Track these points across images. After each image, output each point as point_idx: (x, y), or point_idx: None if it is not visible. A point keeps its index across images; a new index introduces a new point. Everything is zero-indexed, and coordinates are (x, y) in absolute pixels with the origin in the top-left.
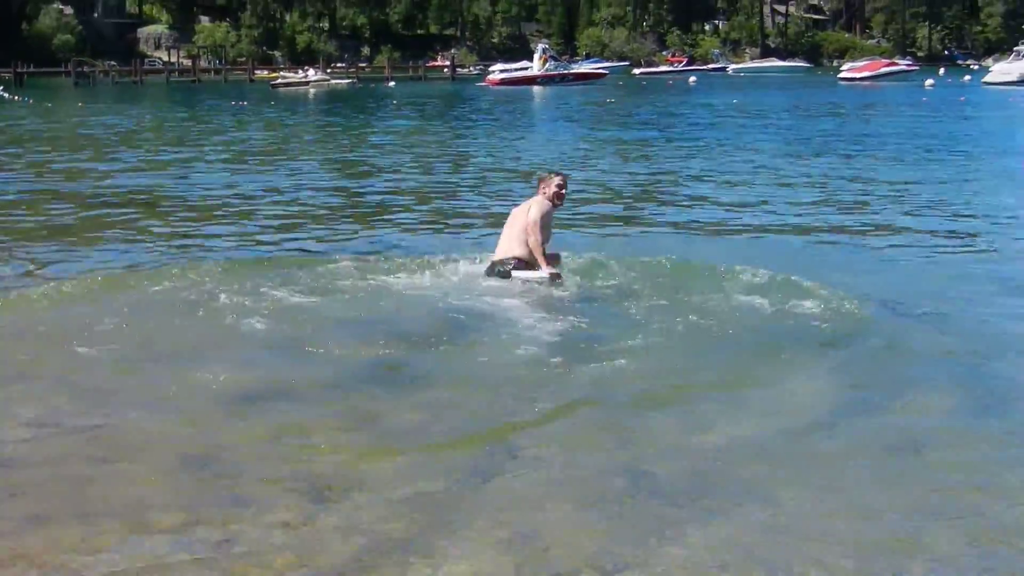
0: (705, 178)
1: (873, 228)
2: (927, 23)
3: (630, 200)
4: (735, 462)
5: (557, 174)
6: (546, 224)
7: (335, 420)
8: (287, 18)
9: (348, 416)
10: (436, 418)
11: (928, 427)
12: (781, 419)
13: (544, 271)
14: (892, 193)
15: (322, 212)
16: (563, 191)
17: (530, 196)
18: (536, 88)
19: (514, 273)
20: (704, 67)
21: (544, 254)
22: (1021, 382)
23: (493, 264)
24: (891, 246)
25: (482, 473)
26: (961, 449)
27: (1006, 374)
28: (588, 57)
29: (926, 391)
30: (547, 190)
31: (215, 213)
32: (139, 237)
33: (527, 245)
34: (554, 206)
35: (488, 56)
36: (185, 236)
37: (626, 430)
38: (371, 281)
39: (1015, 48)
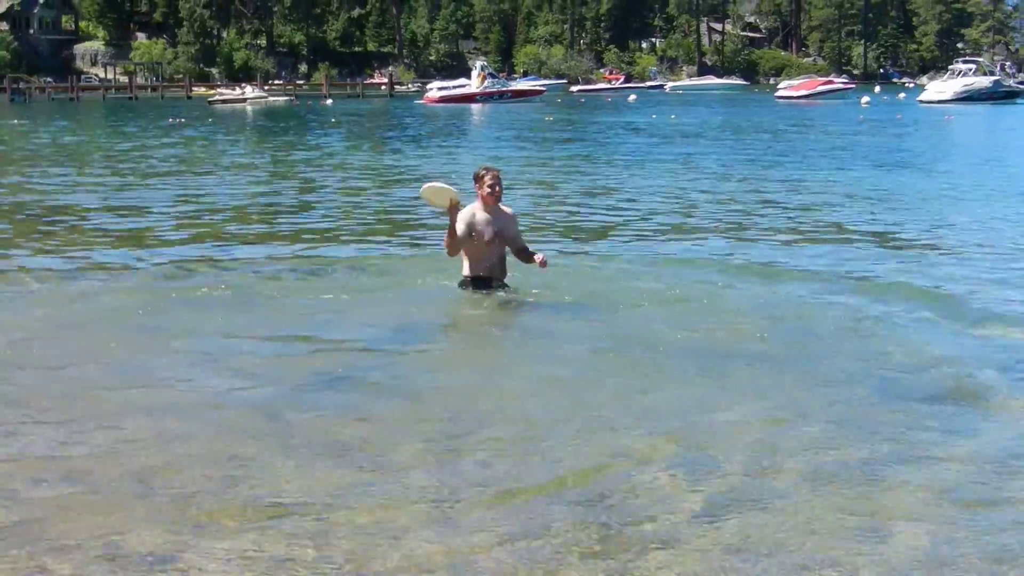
0: (654, 194)
1: (814, 244)
2: (862, 41)
3: (577, 216)
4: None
5: (488, 171)
6: (473, 226)
7: (279, 438)
8: (224, 35)
9: (292, 433)
10: (385, 434)
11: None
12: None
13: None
14: (828, 213)
15: (260, 227)
16: (497, 188)
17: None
18: (475, 105)
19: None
20: (642, 85)
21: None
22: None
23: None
24: (834, 261)
25: (430, 494)
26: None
27: (936, 387)
28: (526, 75)
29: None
30: (480, 191)
31: (153, 227)
32: (77, 249)
33: (469, 264)
34: (486, 205)
35: (426, 73)
36: (125, 248)
37: (563, 449)
38: (314, 295)
39: (950, 67)
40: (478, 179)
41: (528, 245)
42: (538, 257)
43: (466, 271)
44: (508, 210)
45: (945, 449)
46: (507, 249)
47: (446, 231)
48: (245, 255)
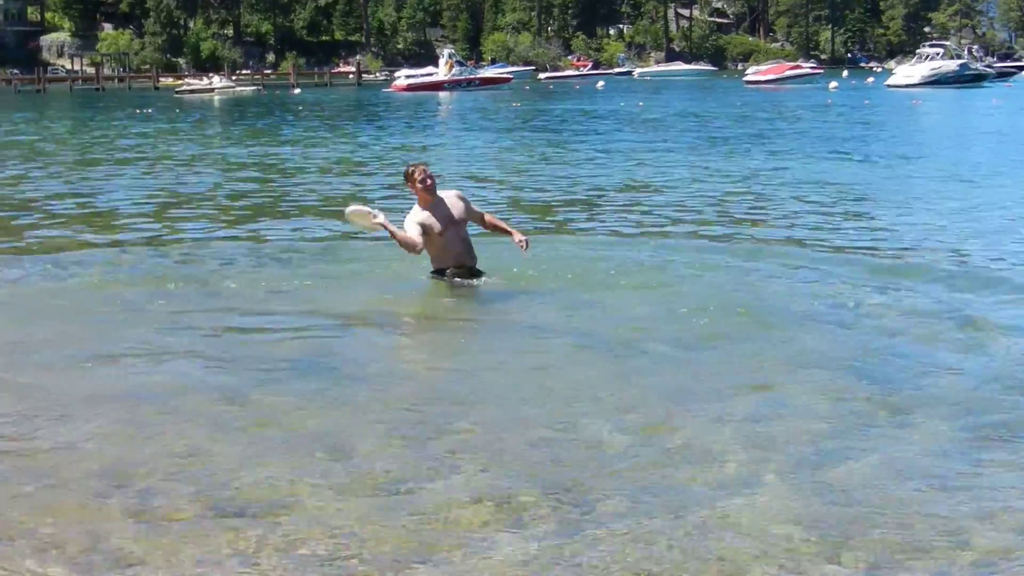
0: (623, 180)
1: (776, 234)
2: (830, 26)
3: (547, 201)
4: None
5: (415, 166)
6: (423, 224)
7: (246, 433)
8: (191, 25)
9: (260, 424)
10: (353, 428)
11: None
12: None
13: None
14: (795, 195)
15: (225, 215)
16: (428, 182)
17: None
18: (443, 93)
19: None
20: (610, 71)
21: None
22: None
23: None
24: (793, 249)
25: (400, 486)
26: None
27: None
28: (494, 62)
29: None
30: (415, 188)
31: (115, 216)
32: (38, 239)
33: (434, 259)
34: (425, 200)
35: (394, 62)
36: (85, 237)
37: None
38: (282, 283)
39: (917, 51)
40: (409, 178)
41: (486, 214)
42: (517, 238)
43: (434, 265)
44: (450, 193)
45: (922, 428)
46: (468, 232)
47: (409, 249)
48: (210, 244)
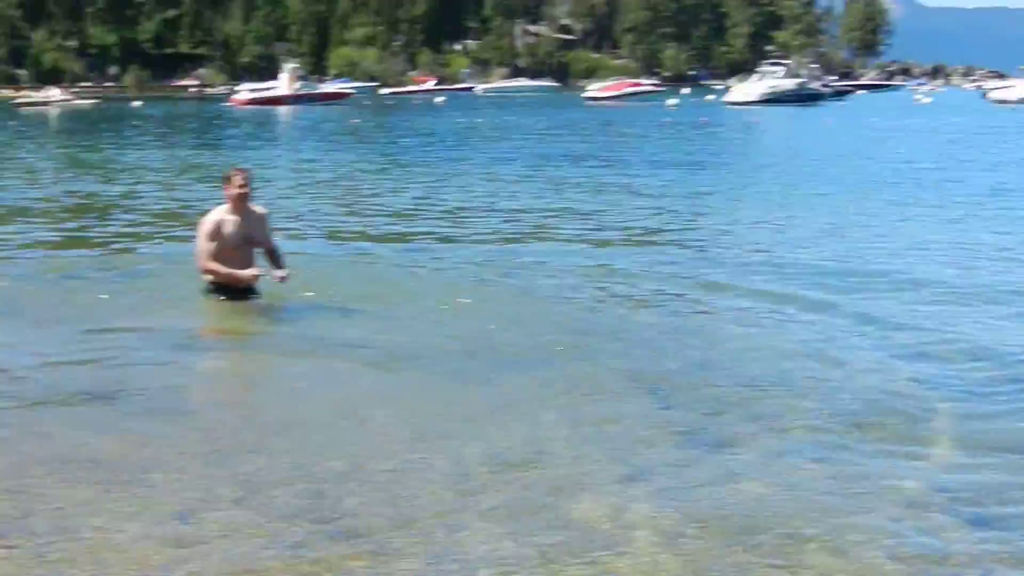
0: (437, 197)
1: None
2: (675, 43)
3: (353, 216)
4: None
5: (238, 171)
6: (222, 234)
7: (41, 463)
8: (34, 36)
9: (60, 458)
10: (151, 457)
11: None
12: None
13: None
14: (617, 213)
15: (23, 230)
16: (244, 190)
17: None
18: (283, 108)
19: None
20: (452, 87)
21: (224, 270)
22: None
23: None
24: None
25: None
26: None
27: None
28: (338, 77)
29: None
30: (228, 191)
31: None
32: None
33: (207, 272)
34: (236, 207)
35: (239, 76)
36: None
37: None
38: (69, 299)
39: (757, 69)
40: (227, 180)
41: (276, 247)
42: (277, 274)
43: (211, 278)
44: (260, 210)
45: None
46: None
47: (201, 261)
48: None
